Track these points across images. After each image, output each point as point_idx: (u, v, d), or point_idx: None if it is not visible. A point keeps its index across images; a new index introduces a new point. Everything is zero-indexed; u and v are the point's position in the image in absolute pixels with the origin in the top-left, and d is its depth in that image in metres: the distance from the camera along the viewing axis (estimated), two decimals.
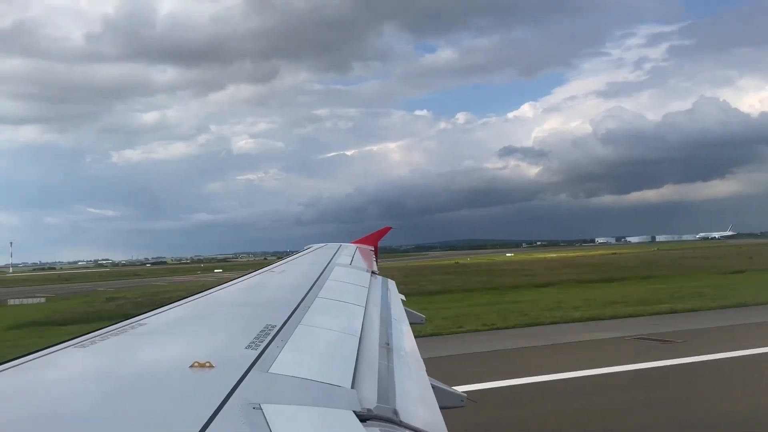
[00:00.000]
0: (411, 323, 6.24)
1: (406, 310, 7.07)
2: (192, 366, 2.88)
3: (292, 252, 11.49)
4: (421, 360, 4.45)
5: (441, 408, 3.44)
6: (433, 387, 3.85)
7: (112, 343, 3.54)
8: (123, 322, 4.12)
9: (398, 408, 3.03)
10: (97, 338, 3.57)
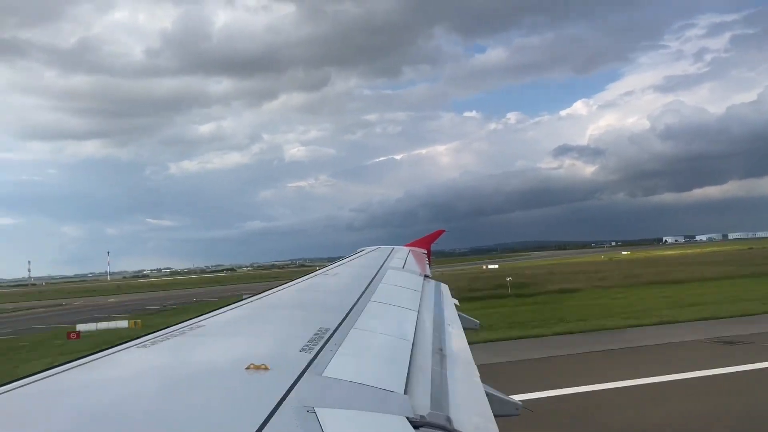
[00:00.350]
0: (465, 328, 6.17)
1: (459, 315, 6.99)
2: (248, 368, 2.93)
3: (347, 257, 11.55)
4: (475, 366, 4.39)
5: (495, 416, 3.38)
6: (488, 394, 3.79)
7: (173, 343, 3.65)
8: (183, 323, 4.25)
9: (451, 415, 2.99)
10: (158, 339, 3.69)
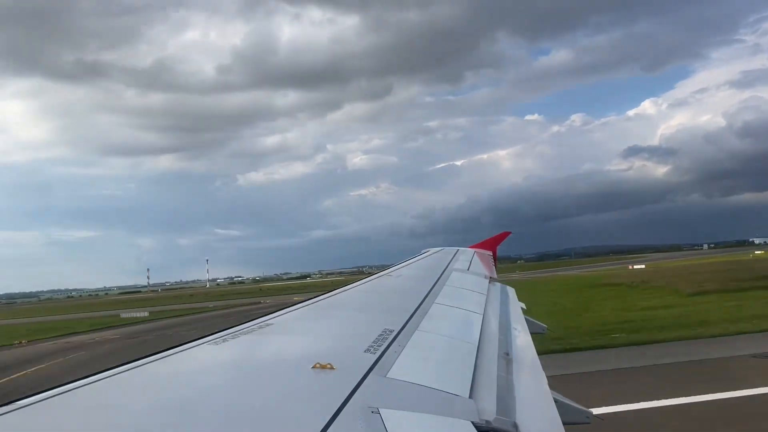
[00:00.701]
0: (532, 333, 6.03)
1: (526, 319, 6.84)
2: (314, 367, 2.98)
3: (411, 258, 11.53)
4: (543, 372, 4.28)
5: (564, 424, 3.28)
6: (556, 401, 3.68)
7: (242, 340, 3.76)
8: (252, 321, 4.37)
9: (518, 421, 2.93)
10: (228, 336, 3.80)
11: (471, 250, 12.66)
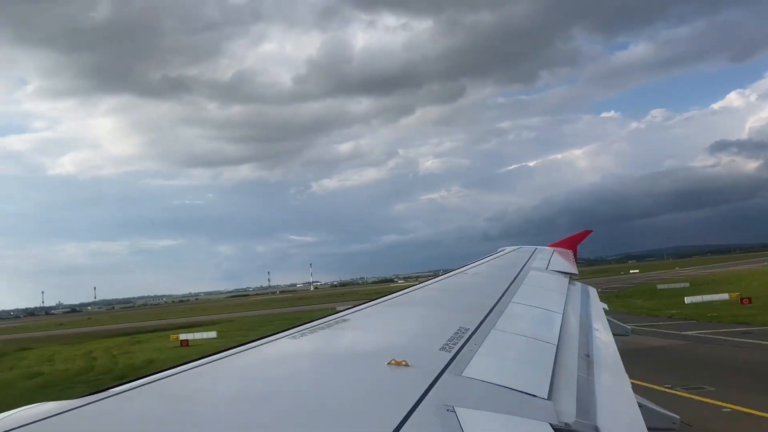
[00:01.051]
0: (615, 335, 5.81)
1: (609, 320, 6.60)
2: (389, 363, 3.01)
3: (487, 257, 11.38)
4: (626, 375, 4.11)
5: (649, 429, 3.15)
6: (640, 406, 3.53)
7: (320, 335, 3.85)
8: (329, 316, 4.47)
9: (599, 425, 2.83)
10: (307, 330, 3.91)
11: (550, 249, 12.33)
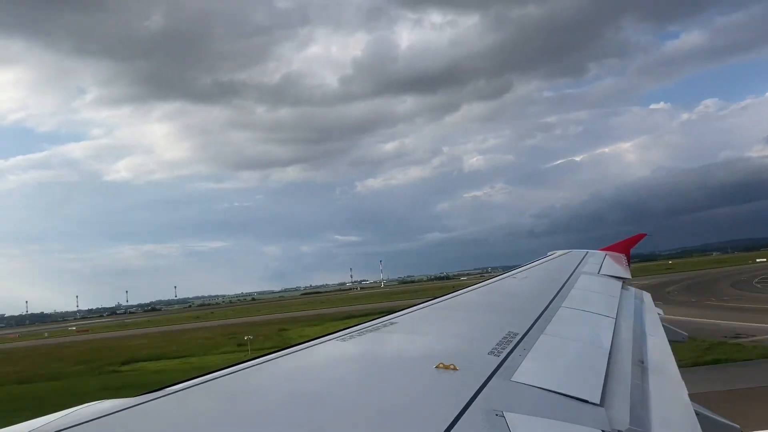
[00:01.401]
0: (671, 341, 5.63)
1: (664, 326, 6.39)
2: (437, 367, 3.01)
3: (536, 260, 11.19)
4: (683, 382, 3.98)
5: None
6: (698, 414, 3.41)
7: (369, 338, 3.88)
8: (377, 319, 4.49)
9: None
10: (355, 333, 3.95)
11: (602, 253, 12.04)
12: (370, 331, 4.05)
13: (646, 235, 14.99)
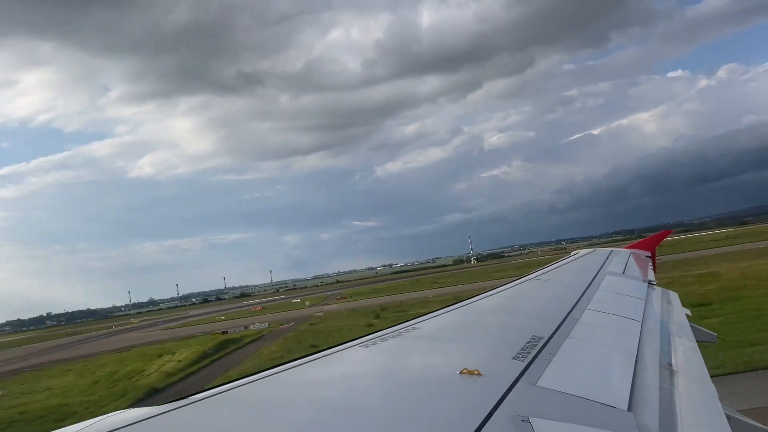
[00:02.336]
0: (699, 342, 5.52)
1: (692, 326, 6.27)
2: (461, 372, 2.98)
3: (559, 261, 11.07)
4: (712, 385, 3.90)
5: None
6: (729, 418, 3.34)
7: (391, 344, 3.87)
8: (399, 325, 4.48)
9: None
10: (378, 339, 3.94)
11: (626, 251, 11.87)
12: (393, 337, 4.04)
13: (671, 232, 14.81)
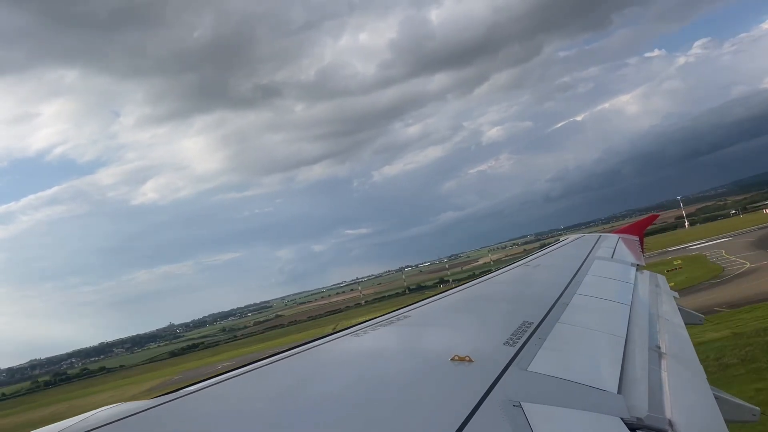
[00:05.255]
0: (687, 324, 5.58)
1: (680, 309, 6.34)
2: (452, 359, 3.00)
3: (548, 248, 11.12)
4: (701, 366, 3.94)
5: (728, 422, 3.01)
6: (717, 398, 3.38)
7: (382, 332, 3.88)
8: (391, 313, 4.48)
9: (674, 419, 2.73)
10: (368, 328, 3.94)
11: (615, 236, 11.94)
12: (384, 325, 4.05)
13: (658, 215, 14.95)
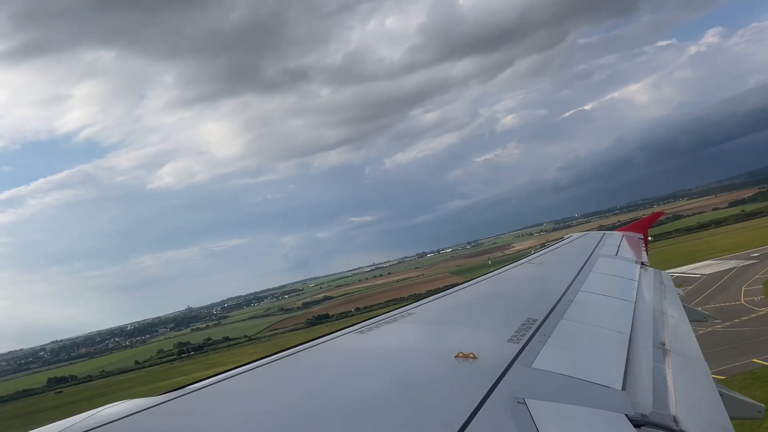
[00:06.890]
0: (692, 321, 5.57)
1: (685, 306, 6.33)
2: (456, 356, 3.01)
3: (552, 245, 11.12)
4: (705, 363, 3.95)
5: (732, 419, 3.01)
6: (722, 395, 3.38)
7: (387, 330, 3.89)
8: (395, 311, 4.50)
9: (678, 415, 2.74)
10: (373, 325, 3.96)
11: (619, 234, 11.93)
12: (388, 322, 4.06)
13: (663, 213, 14.91)
